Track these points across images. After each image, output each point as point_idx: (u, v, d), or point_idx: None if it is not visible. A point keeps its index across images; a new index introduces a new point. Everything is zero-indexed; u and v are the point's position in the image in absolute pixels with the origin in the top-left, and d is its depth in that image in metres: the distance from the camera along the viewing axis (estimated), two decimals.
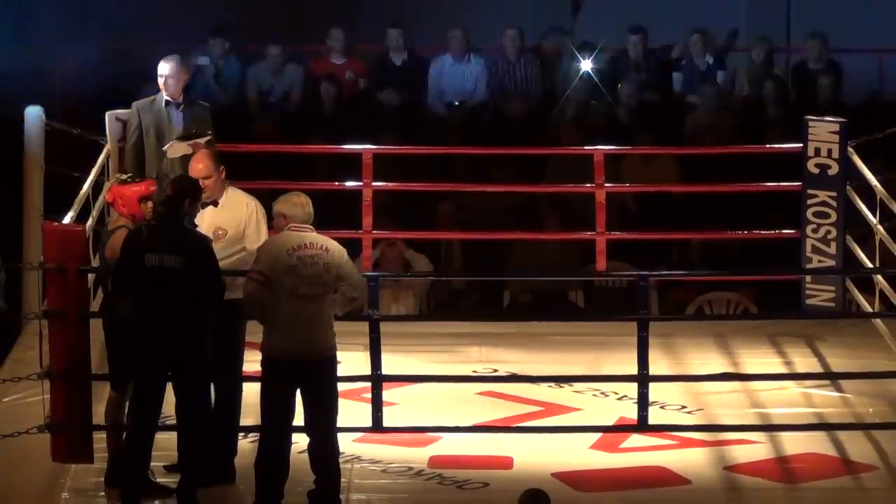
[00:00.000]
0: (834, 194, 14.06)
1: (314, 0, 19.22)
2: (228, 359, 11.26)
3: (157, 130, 12.63)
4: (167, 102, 12.70)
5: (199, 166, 11.25)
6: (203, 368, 10.84)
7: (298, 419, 10.99)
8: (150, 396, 10.82)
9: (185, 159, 11.96)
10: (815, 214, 14.17)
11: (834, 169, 14.03)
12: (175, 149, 12.31)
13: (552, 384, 12.77)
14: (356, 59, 18.88)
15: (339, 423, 11.43)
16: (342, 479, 11.14)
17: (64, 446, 11.06)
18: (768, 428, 12.18)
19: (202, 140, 12.25)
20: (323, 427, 10.93)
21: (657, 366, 12.14)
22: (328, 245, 11.01)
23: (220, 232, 11.16)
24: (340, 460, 11.29)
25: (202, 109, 12.90)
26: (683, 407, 12.48)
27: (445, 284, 15.48)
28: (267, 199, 11.55)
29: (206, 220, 11.24)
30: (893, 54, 18.97)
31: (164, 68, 12.73)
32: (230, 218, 11.11)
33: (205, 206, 11.19)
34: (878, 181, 13.56)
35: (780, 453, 11.84)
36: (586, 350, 13.40)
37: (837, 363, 13.39)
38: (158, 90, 12.75)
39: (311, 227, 11.02)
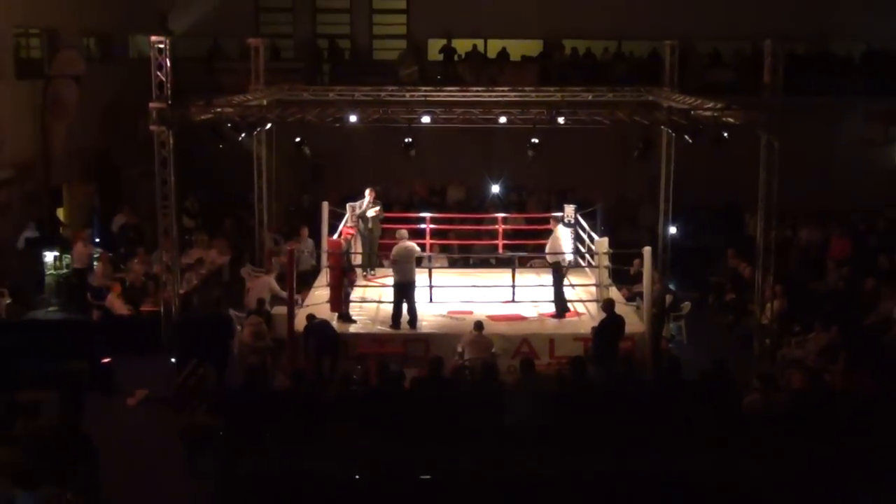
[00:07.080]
0: (570, 229, 12.99)
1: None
2: None
3: (364, 209, 11.85)
4: (367, 200, 11.88)
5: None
6: None
7: None
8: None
9: (375, 219, 11.76)
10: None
11: (572, 220, 12.96)
12: (370, 213, 11.86)
13: (486, 287, 11.84)
14: (422, 180, 16.85)
15: (417, 301, 10.86)
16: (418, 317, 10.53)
17: (334, 305, 10.58)
18: (550, 301, 11.25)
19: (378, 209, 11.93)
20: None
21: (518, 281, 11.46)
22: (411, 245, 10.54)
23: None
24: (417, 313, 10.65)
25: (379, 203, 12.08)
26: (527, 294, 11.49)
27: (449, 257, 14.46)
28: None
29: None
30: None
31: (367, 190, 11.92)
32: None
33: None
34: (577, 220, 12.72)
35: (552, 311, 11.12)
36: (498, 275, 12.32)
37: (575, 281, 12.34)
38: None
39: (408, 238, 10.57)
